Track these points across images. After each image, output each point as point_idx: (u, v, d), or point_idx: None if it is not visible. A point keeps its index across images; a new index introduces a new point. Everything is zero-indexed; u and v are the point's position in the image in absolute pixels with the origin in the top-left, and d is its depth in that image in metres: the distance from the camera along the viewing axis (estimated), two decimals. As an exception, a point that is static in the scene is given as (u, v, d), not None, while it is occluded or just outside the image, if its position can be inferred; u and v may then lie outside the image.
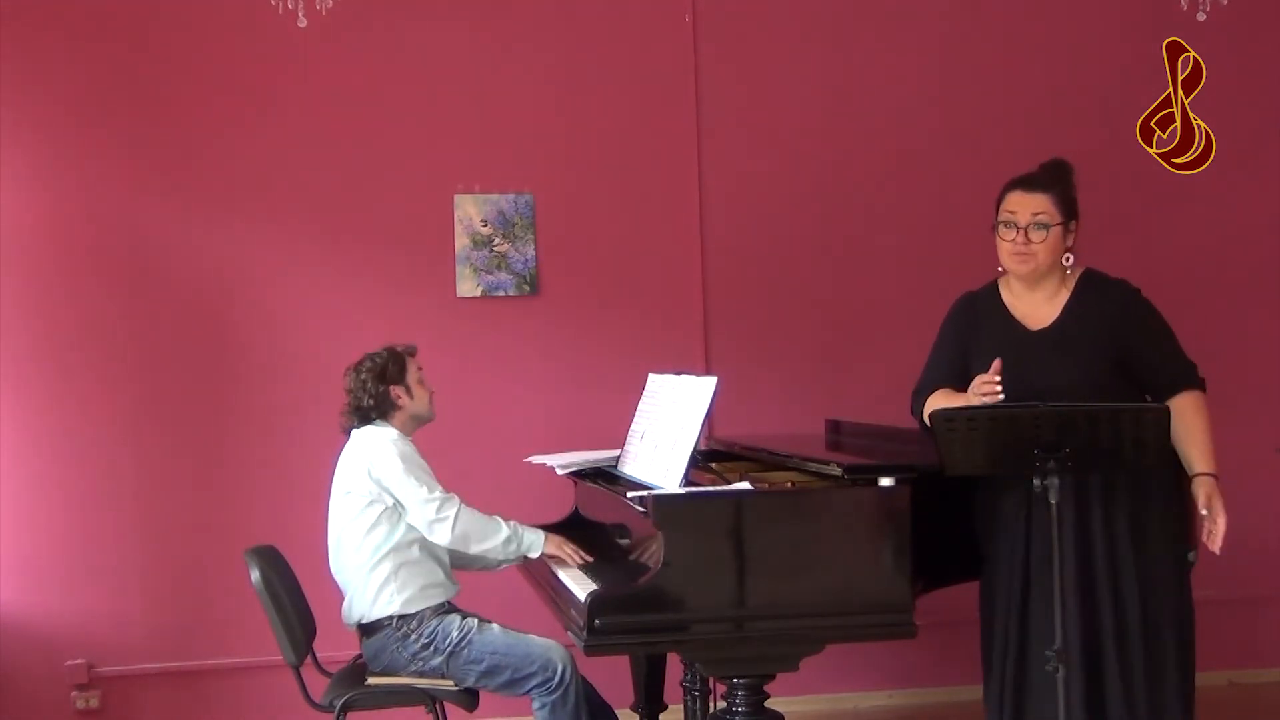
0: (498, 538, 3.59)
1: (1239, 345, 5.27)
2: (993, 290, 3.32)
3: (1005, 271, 3.28)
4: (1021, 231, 3.16)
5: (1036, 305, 3.24)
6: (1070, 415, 2.84)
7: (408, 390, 3.72)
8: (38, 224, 4.77)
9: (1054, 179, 3.22)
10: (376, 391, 3.68)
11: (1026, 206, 3.17)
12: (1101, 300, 3.20)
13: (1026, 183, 3.21)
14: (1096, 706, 3.07)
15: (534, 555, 3.65)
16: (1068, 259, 3.21)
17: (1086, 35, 5.31)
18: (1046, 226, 3.14)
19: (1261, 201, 5.39)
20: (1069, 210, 3.19)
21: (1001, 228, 3.20)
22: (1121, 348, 3.15)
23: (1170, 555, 3.14)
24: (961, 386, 3.19)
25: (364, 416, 3.70)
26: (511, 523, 3.63)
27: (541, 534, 3.66)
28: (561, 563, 3.64)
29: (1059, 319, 3.20)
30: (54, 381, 4.77)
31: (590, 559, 3.61)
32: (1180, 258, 5.26)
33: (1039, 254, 3.15)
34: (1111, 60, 5.31)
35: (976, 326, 3.27)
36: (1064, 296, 3.22)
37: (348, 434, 3.76)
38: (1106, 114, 5.26)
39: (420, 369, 3.79)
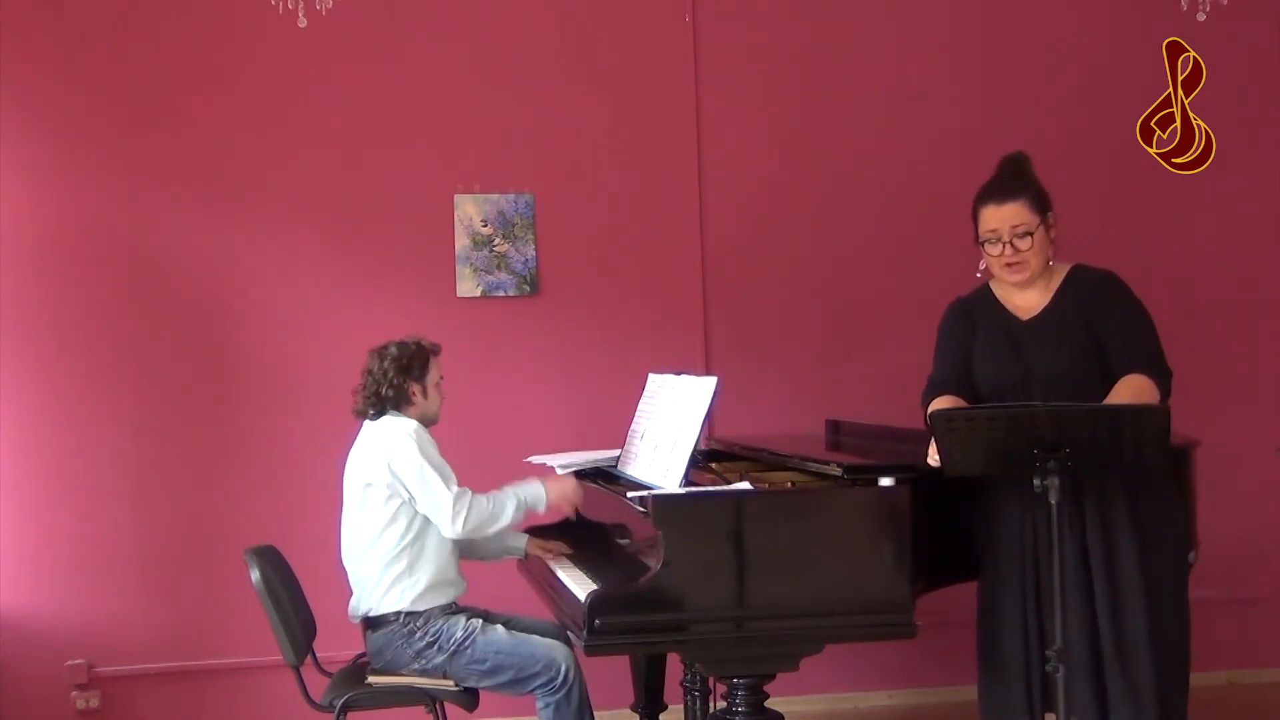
0: (507, 513, 3.57)
1: (1239, 345, 5.28)
2: (985, 290, 3.37)
3: (992, 275, 3.31)
4: (1007, 245, 3.18)
5: (1028, 298, 3.27)
6: (1070, 415, 2.84)
7: (424, 391, 3.68)
8: (39, 223, 4.77)
9: (1019, 181, 3.23)
10: (396, 383, 3.63)
11: (1004, 220, 3.18)
12: (1085, 286, 3.23)
13: (996, 195, 3.22)
14: (1099, 705, 3.07)
15: (542, 509, 3.65)
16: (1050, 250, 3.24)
17: (1087, 35, 5.31)
18: (1029, 233, 3.17)
19: (1261, 201, 5.39)
20: (1043, 206, 3.21)
21: (986, 245, 3.23)
22: (1097, 329, 3.16)
23: (1171, 554, 3.13)
24: (969, 384, 3.22)
25: (380, 406, 3.65)
26: (508, 489, 3.60)
27: (539, 485, 3.64)
28: (560, 558, 3.73)
29: (1048, 307, 3.24)
30: (54, 381, 4.77)
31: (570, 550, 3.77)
32: (1180, 258, 5.26)
33: (1029, 260, 3.19)
34: (1111, 60, 5.31)
35: (972, 324, 3.30)
36: (1054, 287, 3.25)
37: (361, 418, 3.70)
38: (1106, 114, 5.27)
39: (441, 374, 3.74)
